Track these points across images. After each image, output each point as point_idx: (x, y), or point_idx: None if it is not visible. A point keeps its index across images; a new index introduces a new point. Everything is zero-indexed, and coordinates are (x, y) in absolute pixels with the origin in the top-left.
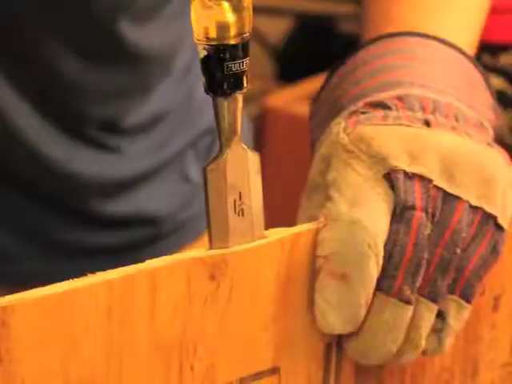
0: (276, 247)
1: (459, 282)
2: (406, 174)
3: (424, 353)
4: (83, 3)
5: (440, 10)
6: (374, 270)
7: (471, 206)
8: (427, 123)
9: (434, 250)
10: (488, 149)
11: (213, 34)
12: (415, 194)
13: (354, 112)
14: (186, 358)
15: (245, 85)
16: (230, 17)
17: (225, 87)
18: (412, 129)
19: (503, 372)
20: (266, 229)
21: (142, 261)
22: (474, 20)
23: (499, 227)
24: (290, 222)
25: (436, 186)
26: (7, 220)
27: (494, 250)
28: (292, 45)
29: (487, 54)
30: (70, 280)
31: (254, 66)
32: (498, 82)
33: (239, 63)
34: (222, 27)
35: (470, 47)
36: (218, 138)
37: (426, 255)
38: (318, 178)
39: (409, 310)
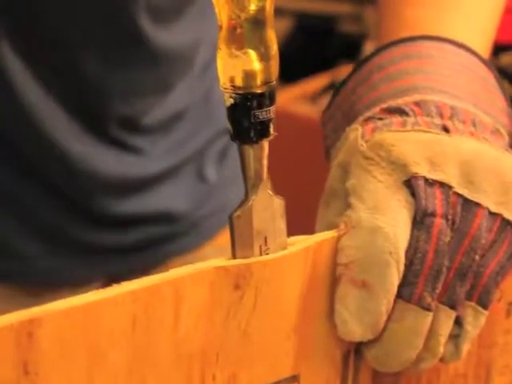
0: (300, 256)
1: (477, 289)
2: (426, 180)
3: (441, 359)
4: (110, 3)
5: (454, 12)
6: (395, 277)
7: (490, 213)
8: (445, 129)
9: (453, 257)
10: (507, 155)
11: (239, 82)
12: (436, 201)
13: (371, 118)
14: (208, 368)
15: (271, 132)
16: (256, 65)
17: (251, 135)
18: (431, 135)
19: None
20: None
21: (158, 260)
22: (489, 21)
23: None
24: (291, 220)
25: (456, 193)
26: (23, 218)
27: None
28: (292, 45)
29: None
30: (95, 291)
31: None
32: None
33: (266, 111)
34: (249, 76)
35: (485, 49)
36: (244, 184)
37: (446, 262)
38: (337, 185)
39: (429, 317)
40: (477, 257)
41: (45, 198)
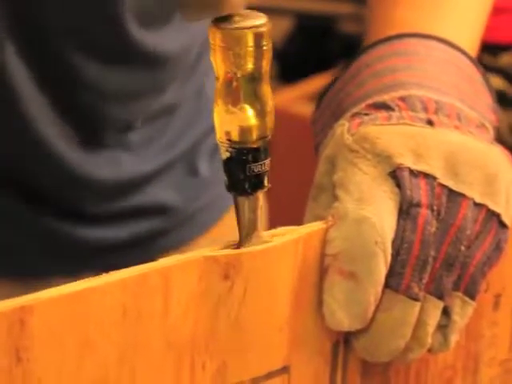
0: (289, 247)
1: (463, 279)
2: (411, 171)
3: (429, 350)
4: (99, 8)
5: (442, 12)
6: (382, 267)
7: (475, 204)
8: (430, 123)
9: (439, 247)
10: (491, 147)
11: (235, 137)
12: (421, 192)
13: (357, 114)
14: (197, 357)
15: (265, 184)
16: (252, 121)
17: (246, 187)
18: (416, 128)
19: (502, 369)
20: (270, 228)
21: (151, 255)
22: (476, 21)
23: (503, 224)
24: (292, 220)
25: (441, 184)
26: (17, 218)
27: (498, 247)
28: (292, 45)
29: (487, 53)
30: (85, 279)
31: None
32: (497, 81)
33: (261, 164)
34: (245, 131)
35: (473, 48)
36: (238, 233)
37: (432, 252)
38: (324, 179)
39: (417, 307)
40: (463, 247)
41: (37, 198)
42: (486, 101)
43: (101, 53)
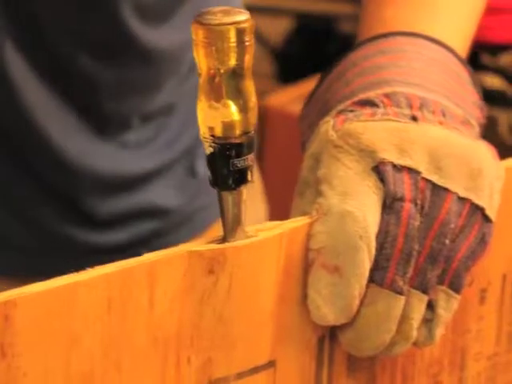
0: (274, 242)
1: (448, 273)
2: (394, 166)
3: (415, 344)
4: (98, 3)
5: (432, 11)
6: (366, 261)
7: (459, 198)
8: (414, 119)
9: (423, 242)
10: (475, 142)
11: (218, 132)
12: (404, 186)
13: (343, 111)
14: (182, 351)
15: (249, 179)
16: (235, 117)
17: (230, 182)
18: (400, 123)
19: (489, 363)
20: None
21: None
22: (467, 20)
23: (487, 219)
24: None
25: (424, 178)
26: (15, 212)
27: (482, 241)
28: (292, 45)
29: (487, 54)
30: (70, 274)
31: (254, 66)
32: (498, 81)
33: (244, 160)
34: (228, 127)
35: (463, 47)
36: (222, 227)
37: (416, 246)
38: (309, 175)
39: (401, 301)
40: (447, 241)
41: (37, 193)
42: (472, 98)
43: (99, 48)
